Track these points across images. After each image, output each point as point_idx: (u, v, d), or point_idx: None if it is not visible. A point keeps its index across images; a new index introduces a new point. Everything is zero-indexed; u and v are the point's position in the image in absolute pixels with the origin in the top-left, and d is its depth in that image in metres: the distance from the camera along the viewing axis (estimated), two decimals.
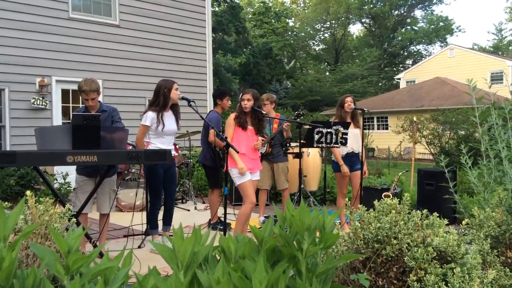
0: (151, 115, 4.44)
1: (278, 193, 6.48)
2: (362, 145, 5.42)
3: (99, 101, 4.38)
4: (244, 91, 4.64)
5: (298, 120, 5.00)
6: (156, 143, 4.52)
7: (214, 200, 5.78)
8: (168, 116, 4.56)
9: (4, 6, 8.17)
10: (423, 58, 34.14)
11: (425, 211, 2.31)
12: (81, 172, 4.31)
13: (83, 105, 4.43)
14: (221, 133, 4.63)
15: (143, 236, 5.01)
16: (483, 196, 3.28)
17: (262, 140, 5.52)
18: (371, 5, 38.68)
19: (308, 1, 43.58)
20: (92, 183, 4.29)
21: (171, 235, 4.44)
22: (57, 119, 8.81)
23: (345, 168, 5.36)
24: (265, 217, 6.43)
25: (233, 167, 4.43)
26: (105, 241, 4.60)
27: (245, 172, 4.40)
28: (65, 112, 8.96)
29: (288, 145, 5.80)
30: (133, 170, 6.91)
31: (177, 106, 4.66)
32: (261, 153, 5.68)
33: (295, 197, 6.98)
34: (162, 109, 4.49)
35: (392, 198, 2.35)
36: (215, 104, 5.84)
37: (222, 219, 4.53)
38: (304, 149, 6.76)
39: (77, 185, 4.34)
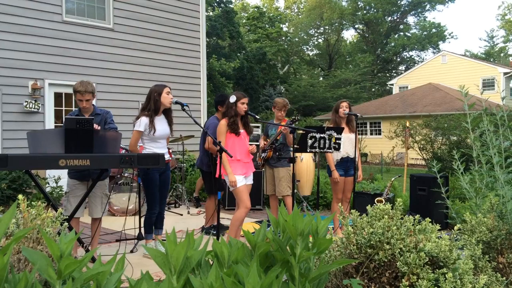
0: (144, 121, 4.43)
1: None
2: (356, 150, 5.43)
3: (93, 105, 4.37)
4: (241, 94, 4.62)
5: (293, 125, 5.01)
6: (151, 148, 4.52)
7: (210, 205, 5.75)
8: (160, 120, 4.55)
9: None
10: (415, 64, 34.40)
11: (417, 216, 2.32)
12: (73, 176, 4.28)
13: (76, 108, 4.41)
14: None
15: (136, 241, 4.99)
16: (475, 201, 3.30)
17: (265, 144, 5.52)
18: (365, 11, 38.95)
19: (302, 7, 43.79)
20: (84, 187, 4.26)
21: (164, 239, 4.41)
22: (50, 123, 8.77)
23: (335, 174, 5.37)
24: (258, 221, 6.42)
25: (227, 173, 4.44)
26: (98, 246, 4.57)
27: (237, 185, 4.42)
28: (57, 115, 8.92)
29: (280, 150, 5.75)
30: (125, 174, 6.88)
31: (170, 110, 4.65)
32: (262, 158, 5.67)
33: None
34: (154, 114, 4.48)
35: (384, 204, 2.36)
36: (216, 109, 5.75)
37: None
38: (297, 154, 6.77)
39: (68, 189, 4.31)
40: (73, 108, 8.95)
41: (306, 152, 4.83)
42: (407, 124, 9.14)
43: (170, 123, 4.67)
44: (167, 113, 4.65)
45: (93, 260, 3.45)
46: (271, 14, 37.65)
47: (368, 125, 22.45)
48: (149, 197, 4.60)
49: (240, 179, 4.46)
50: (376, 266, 2.15)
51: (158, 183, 4.56)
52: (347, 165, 5.46)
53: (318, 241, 1.68)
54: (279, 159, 5.62)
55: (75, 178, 4.27)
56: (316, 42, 42.02)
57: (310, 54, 42.11)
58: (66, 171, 4.34)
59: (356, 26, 41.16)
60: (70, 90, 8.95)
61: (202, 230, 5.69)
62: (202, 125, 7.09)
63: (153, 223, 4.69)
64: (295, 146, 4.91)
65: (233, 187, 4.43)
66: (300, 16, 43.16)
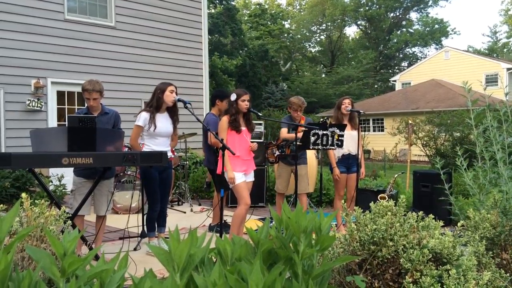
0: (144, 116, 4.46)
1: (274, 194, 6.44)
2: (358, 147, 5.42)
3: (101, 104, 4.39)
4: (242, 91, 4.61)
5: (319, 126, 4.97)
6: (150, 145, 4.52)
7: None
8: (162, 118, 4.55)
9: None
10: (418, 60, 34.27)
11: (420, 213, 2.31)
12: (79, 174, 4.29)
13: (85, 107, 4.42)
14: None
15: (139, 238, 5.00)
16: (478, 198, 3.29)
17: (279, 142, 5.51)
18: (367, 8, 38.82)
19: (304, 3, 43.68)
20: (90, 185, 4.27)
21: (167, 237, 4.42)
22: (52, 121, 8.78)
23: (336, 171, 5.37)
24: (261, 219, 6.43)
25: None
26: (101, 244, 4.58)
27: (235, 181, 4.42)
28: (60, 114, 8.93)
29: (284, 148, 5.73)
30: (128, 172, 6.89)
31: (175, 108, 4.64)
32: (277, 155, 5.64)
33: (291, 199, 6.98)
34: (156, 111, 4.49)
35: (388, 200, 2.35)
36: (213, 104, 5.73)
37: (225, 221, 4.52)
38: None
39: (75, 187, 4.31)
40: (76, 107, 8.97)
41: (309, 149, 4.83)
42: (410, 121, 9.12)
43: (174, 121, 4.66)
44: (173, 112, 4.65)
45: (96, 258, 3.46)
46: (273, 11, 37.54)
47: (371, 122, 22.41)
48: (149, 195, 4.62)
49: (239, 176, 4.47)
50: (379, 263, 2.15)
51: (157, 180, 4.56)
52: (348, 162, 5.44)
53: (321, 238, 1.68)
54: (284, 157, 5.60)
55: (82, 176, 4.28)
56: (318, 39, 41.92)
57: (313, 51, 42.02)
58: (69, 169, 4.35)
59: (359, 22, 41.03)
60: (72, 89, 8.97)
61: (209, 228, 5.68)
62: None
63: (155, 221, 4.70)
64: (298, 143, 4.90)
65: (232, 183, 4.44)
66: (302, 13, 43.05)
